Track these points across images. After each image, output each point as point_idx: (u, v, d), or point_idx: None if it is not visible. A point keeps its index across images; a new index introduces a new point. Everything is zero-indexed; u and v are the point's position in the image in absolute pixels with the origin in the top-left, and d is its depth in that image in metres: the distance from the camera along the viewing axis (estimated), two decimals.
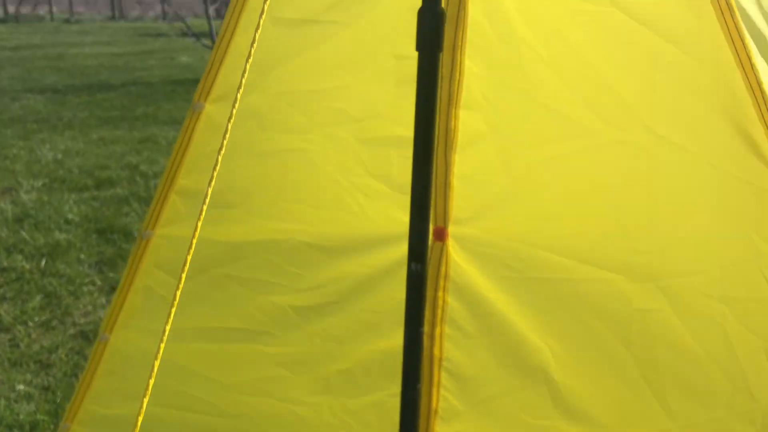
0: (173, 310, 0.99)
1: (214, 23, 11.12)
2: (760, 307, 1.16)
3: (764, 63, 1.18)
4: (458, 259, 1.34)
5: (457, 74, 1.25)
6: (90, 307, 3.46)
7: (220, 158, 0.98)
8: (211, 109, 1.44)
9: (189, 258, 0.98)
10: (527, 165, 1.27)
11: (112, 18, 24.90)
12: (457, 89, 1.26)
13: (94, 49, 15.21)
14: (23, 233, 4.44)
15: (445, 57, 1.26)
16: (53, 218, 4.76)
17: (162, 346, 0.97)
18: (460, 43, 1.23)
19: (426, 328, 1.45)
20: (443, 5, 1.24)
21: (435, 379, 1.42)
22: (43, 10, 23.86)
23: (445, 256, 1.35)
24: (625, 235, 1.24)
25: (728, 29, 1.09)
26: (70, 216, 4.77)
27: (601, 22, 1.14)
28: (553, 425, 1.30)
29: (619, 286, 1.23)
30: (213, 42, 10.91)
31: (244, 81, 1.00)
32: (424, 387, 1.47)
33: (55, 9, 24.40)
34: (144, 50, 15.24)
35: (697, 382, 1.22)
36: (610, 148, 1.20)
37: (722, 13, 1.08)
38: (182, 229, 1.60)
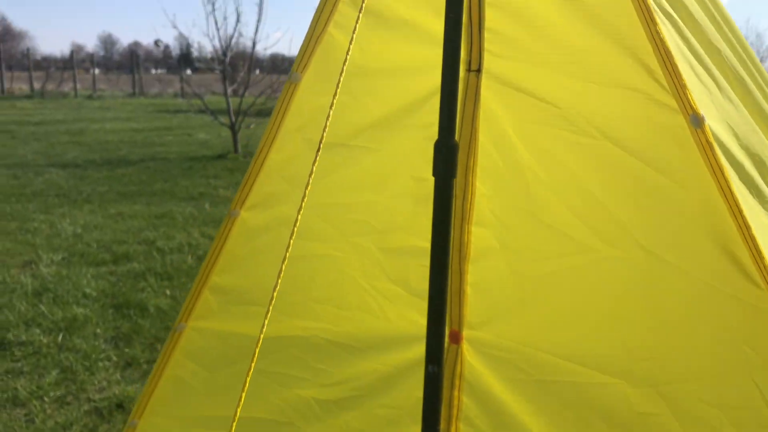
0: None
1: (231, 101, 11.60)
2: (753, 414, 1.25)
3: (743, 189, 1.32)
4: (472, 361, 1.46)
5: (470, 195, 1.41)
6: (105, 383, 3.51)
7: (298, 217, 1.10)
8: (246, 216, 1.59)
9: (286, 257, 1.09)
10: (534, 277, 1.40)
11: (133, 95, 25.96)
12: (470, 208, 1.42)
13: (115, 125, 15.81)
14: (42, 307, 4.53)
15: (458, 179, 1.43)
16: (71, 292, 4.86)
17: None
18: (472, 168, 1.40)
19: (442, 426, 1.54)
20: (456, 137, 1.43)
21: None
22: (67, 87, 24.95)
23: (460, 357, 1.47)
24: (625, 343, 1.35)
25: (709, 160, 1.24)
26: (87, 290, 4.88)
27: (596, 152, 1.31)
28: None
29: (621, 390, 1.33)
30: (230, 120, 11.38)
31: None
32: None
33: (78, 86, 25.50)
34: (162, 126, 15.82)
35: None
36: (608, 264, 1.33)
37: (703, 147, 1.23)
38: (214, 323, 1.72)
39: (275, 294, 1.22)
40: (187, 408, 1.74)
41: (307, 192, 1.44)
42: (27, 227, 6.73)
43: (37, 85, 24.83)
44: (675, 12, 1.26)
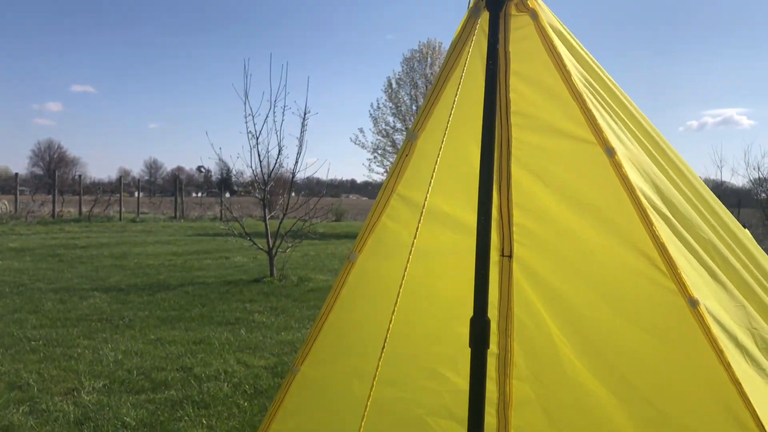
0: None
1: (269, 224, 12.13)
2: None
3: (738, 355, 1.53)
4: None
5: (509, 354, 1.67)
6: None
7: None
8: (306, 371, 1.84)
9: None
10: (564, 421, 1.63)
11: (174, 218, 27.17)
12: (510, 364, 1.67)
13: (156, 248, 16.48)
14: None
15: (500, 341, 1.70)
16: (111, 422, 4.95)
17: None
18: (510, 332, 1.67)
19: None
20: (498, 304, 1.70)
21: None
22: (113, 211, 26.34)
23: None
24: None
25: (709, 337, 1.46)
26: (127, 419, 4.97)
27: (608, 326, 1.57)
28: None
29: None
30: (267, 244, 11.85)
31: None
32: None
33: (123, 209, 26.89)
34: (201, 249, 16.43)
35: None
36: (623, 415, 1.56)
37: (701, 325, 1.47)
38: None
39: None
40: None
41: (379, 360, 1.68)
42: (71, 353, 6.92)
43: (85, 209, 26.22)
44: (670, 212, 1.55)
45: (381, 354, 1.32)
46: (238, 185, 17.28)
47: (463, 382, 1.69)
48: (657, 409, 1.51)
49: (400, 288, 1.44)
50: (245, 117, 11.94)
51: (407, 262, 1.45)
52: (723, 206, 1.90)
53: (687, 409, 1.49)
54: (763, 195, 24.87)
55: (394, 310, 1.40)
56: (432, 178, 1.47)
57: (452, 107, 1.44)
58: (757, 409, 1.41)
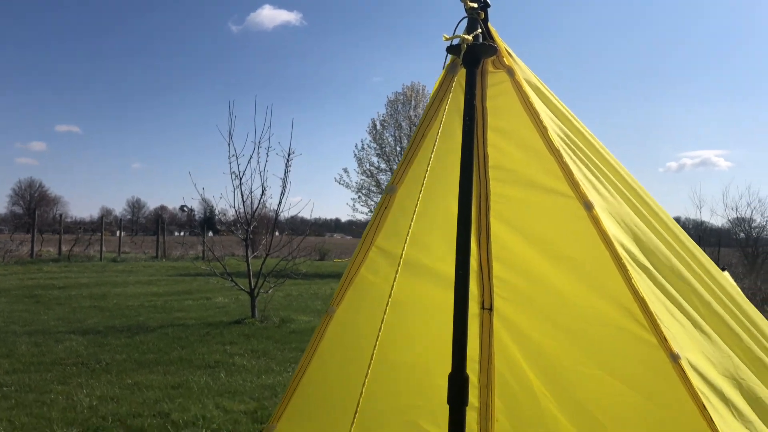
0: None
1: (251, 263, 12.02)
2: None
3: (724, 410, 1.52)
4: None
5: (491, 409, 1.64)
6: None
7: None
8: (283, 428, 1.79)
9: None
10: None
11: (156, 257, 26.87)
12: (491, 418, 1.65)
13: (136, 289, 16.23)
14: None
15: (481, 394, 1.67)
16: None
17: None
18: (491, 386, 1.64)
19: None
20: (478, 356, 1.68)
21: None
22: (93, 250, 25.98)
23: None
24: None
25: (691, 391, 1.45)
26: None
27: (589, 380, 1.56)
28: None
29: None
30: (249, 285, 11.72)
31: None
32: None
33: (104, 248, 26.54)
34: (182, 290, 16.20)
35: None
36: None
37: (683, 379, 1.46)
38: None
39: None
40: None
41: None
42: (44, 399, 6.72)
43: (65, 248, 25.84)
44: (651, 263, 1.56)
45: (357, 408, 1.29)
46: (221, 224, 17.19)
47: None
48: None
49: (376, 341, 1.42)
50: (229, 158, 11.95)
51: (384, 314, 1.44)
52: (702, 252, 1.92)
53: None
54: (742, 234, 25.35)
55: (370, 363, 1.38)
56: (410, 229, 1.48)
57: (429, 161, 1.45)
58: None
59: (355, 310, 1.72)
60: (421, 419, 1.74)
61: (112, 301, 13.91)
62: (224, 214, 13.35)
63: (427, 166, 1.45)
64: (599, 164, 1.68)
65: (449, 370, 1.42)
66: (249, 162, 12.11)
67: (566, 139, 1.58)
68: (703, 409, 1.41)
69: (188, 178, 12.39)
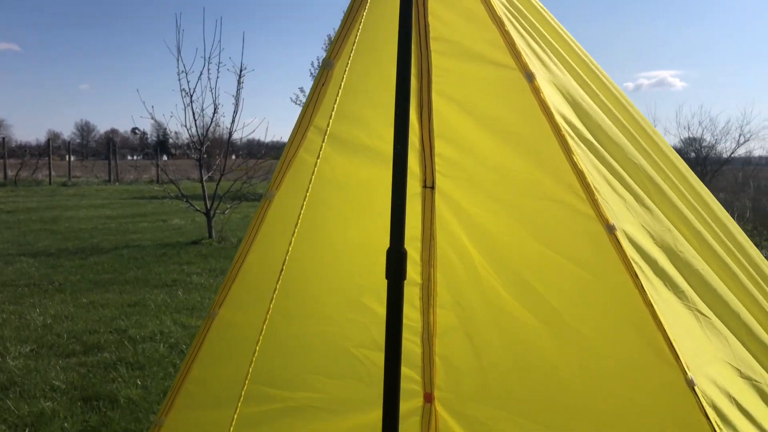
0: None
1: (206, 186, 11.83)
2: None
3: (657, 281, 1.56)
4: (444, 416, 1.70)
5: (433, 284, 1.66)
6: None
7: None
8: (225, 314, 1.77)
9: None
10: (489, 347, 1.66)
11: (108, 181, 26.10)
12: (434, 293, 1.67)
13: (89, 212, 15.82)
14: (8, 402, 4.44)
15: (423, 271, 1.68)
16: (39, 386, 4.77)
17: None
18: (433, 263, 1.65)
19: None
20: (420, 234, 1.67)
21: None
22: (41, 175, 25.02)
23: (434, 415, 1.70)
24: (565, 402, 1.59)
25: (624, 260, 1.48)
26: (56, 383, 4.80)
27: (528, 252, 1.57)
28: None
29: None
30: (205, 206, 11.56)
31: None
32: None
33: (53, 173, 25.58)
34: (137, 213, 15.89)
35: None
36: (545, 338, 1.59)
37: (617, 249, 1.48)
38: (198, 411, 1.85)
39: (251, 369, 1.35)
40: None
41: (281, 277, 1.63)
42: None
43: (11, 173, 24.84)
44: (593, 136, 1.54)
45: (270, 301, 1.26)
46: (175, 147, 16.68)
47: None
48: (577, 332, 1.55)
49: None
50: (178, 74, 11.43)
51: (304, 199, 1.39)
52: (660, 136, 1.91)
53: (605, 333, 1.53)
54: (693, 154, 26.09)
55: (292, 256, 1.34)
56: (336, 104, 1.40)
57: (356, 33, 1.36)
58: (669, 333, 1.44)
59: (294, 193, 1.67)
60: (365, 297, 1.76)
61: (64, 224, 13.56)
62: (178, 137, 12.91)
63: (355, 40, 1.36)
64: (549, 37, 1.62)
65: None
66: (199, 79, 11.63)
67: (510, 8, 1.51)
68: (635, 278, 1.45)
69: (139, 100, 11.81)
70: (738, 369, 1.60)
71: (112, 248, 10.71)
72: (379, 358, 1.74)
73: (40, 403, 4.44)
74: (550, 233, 1.55)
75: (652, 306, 1.44)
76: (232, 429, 1.46)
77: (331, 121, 1.40)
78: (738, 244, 1.95)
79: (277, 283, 1.35)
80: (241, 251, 1.73)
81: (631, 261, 1.46)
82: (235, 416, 1.25)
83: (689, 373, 1.43)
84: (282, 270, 1.31)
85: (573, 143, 1.45)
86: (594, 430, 1.57)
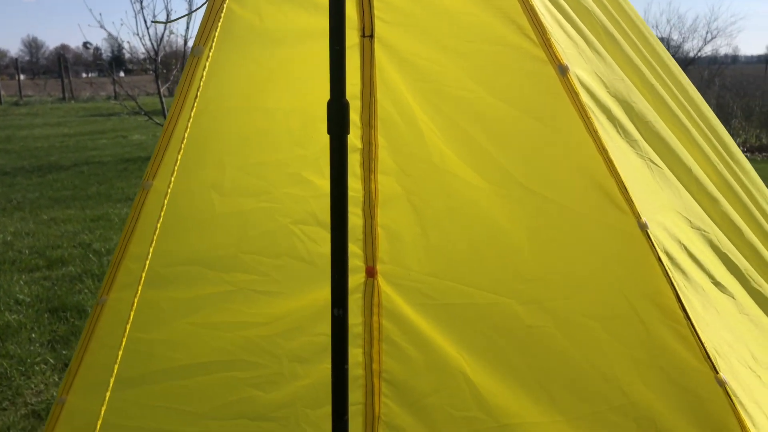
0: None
1: (165, 101, 11.40)
2: (624, 323, 1.44)
3: (611, 128, 1.50)
4: (387, 291, 1.65)
5: (373, 147, 1.56)
6: (42, 386, 3.44)
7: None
8: (159, 186, 1.67)
9: None
10: (432, 215, 1.58)
11: (63, 99, 24.93)
12: (375, 158, 1.57)
13: (45, 131, 15.19)
14: None
15: (364, 133, 1.57)
16: (2, 299, 4.71)
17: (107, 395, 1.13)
18: (373, 124, 1.54)
19: (366, 348, 1.70)
20: (360, 93, 1.56)
21: (376, 389, 1.67)
22: None
23: (377, 289, 1.66)
24: (514, 267, 1.54)
25: (577, 105, 1.40)
26: (20, 296, 4.74)
27: (477, 105, 1.47)
28: (471, 416, 1.57)
29: (512, 308, 1.53)
30: (165, 119, 11.13)
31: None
32: (368, 397, 1.71)
33: (3, 92, 24.29)
34: (96, 130, 15.32)
35: (579, 382, 1.49)
36: (494, 201, 1.51)
37: (570, 93, 1.40)
38: (141, 290, 1.79)
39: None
40: (132, 368, 1.80)
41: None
42: None
43: None
44: None
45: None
46: (131, 62, 15.88)
47: (328, 185, 1.58)
48: (528, 191, 1.48)
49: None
50: None
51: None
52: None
53: (558, 187, 1.48)
54: None
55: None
56: None
57: None
58: (623, 178, 1.39)
59: (224, 51, 1.53)
60: (304, 170, 1.66)
61: (18, 143, 13.02)
62: (133, 51, 12.22)
63: None
64: None
65: None
66: None
67: None
68: (588, 120, 1.38)
69: (87, 10, 11.03)
70: (688, 219, 1.59)
71: (72, 165, 10.37)
72: (319, 234, 1.68)
73: (6, 316, 4.39)
74: (500, 83, 1.46)
75: (606, 151, 1.38)
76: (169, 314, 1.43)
77: None
78: (693, 102, 1.90)
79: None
80: (170, 118, 1.60)
81: (585, 104, 1.39)
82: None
83: (643, 218, 1.40)
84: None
85: None
86: (547, 289, 1.54)
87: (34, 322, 4.27)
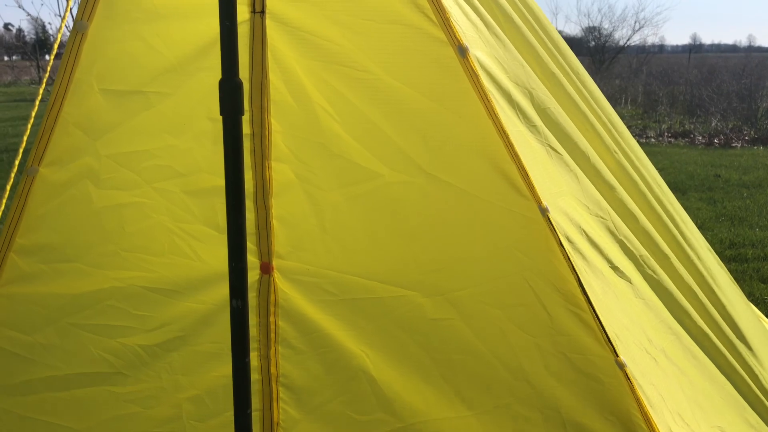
0: None
1: None
2: (527, 310, 1.42)
3: (511, 112, 1.47)
4: (284, 288, 1.56)
5: (267, 132, 1.47)
6: None
7: None
8: (45, 172, 1.54)
9: None
10: (330, 205, 1.50)
11: None
12: (268, 144, 1.48)
13: None
14: None
15: (254, 117, 1.48)
16: None
17: None
18: (266, 106, 1.45)
19: (262, 351, 1.61)
20: (248, 76, 1.47)
21: (274, 394, 1.59)
22: None
23: (273, 286, 1.56)
24: (416, 258, 1.48)
25: (476, 87, 1.36)
26: None
27: (374, 85, 1.41)
28: (376, 419, 1.52)
29: (416, 301, 1.48)
30: None
31: None
32: (265, 403, 1.63)
33: None
34: (18, 116, 14.46)
35: (485, 375, 1.46)
36: (394, 188, 1.45)
37: (470, 75, 1.36)
38: (25, 286, 1.66)
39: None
40: (11, 376, 1.68)
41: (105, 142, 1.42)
42: None
43: None
44: None
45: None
46: (60, 46, 15.02)
47: (210, 178, 1.50)
48: (429, 174, 1.44)
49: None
50: None
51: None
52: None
53: (458, 171, 1.44)
54: (593, 42, 26.59)
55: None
56: None
57: None
58: (523, 161, 1.37)
59: (110, 26, 1.41)
60: (175, 162, 1.55)
61: None
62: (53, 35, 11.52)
63: None
64: None
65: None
66: None
67: None
68: (488, 103, 1.34)
69: None
70: (586, 205, 1.58)
71: None
72: (201, 231, 1.57)
73: None
74: (399, 63, 1.39)
75: (507, 135, 1.35)
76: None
77: None
78: (588, 89, 1.90)
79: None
80: (54, 97, 1.48)
81: (485, 87, 1.35)
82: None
83: (544, 202, 1.38)
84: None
85: None
86: (450, 280, 1.49)
87: None
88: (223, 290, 1.52)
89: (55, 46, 1.74)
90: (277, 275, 1.56)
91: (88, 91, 1.49)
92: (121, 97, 1.49)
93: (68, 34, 1.48)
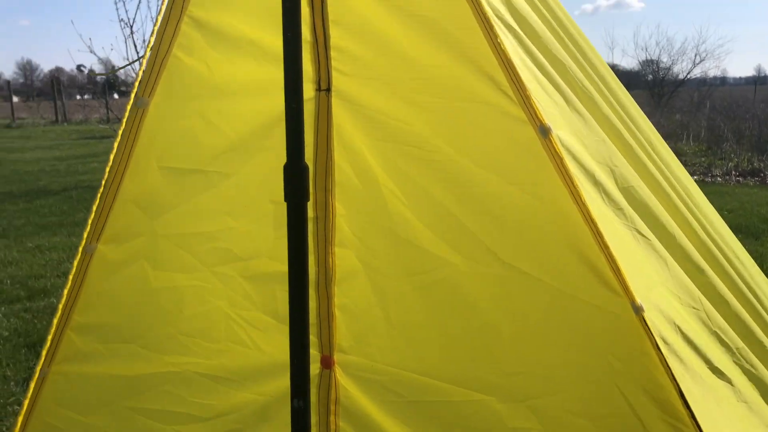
0: None
1: None
2: (620, 422, 1.25)
3: (596, 195, 1.33)
4: (346, 385, 1.44)
5: (330, 216, 1.38)
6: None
7: None
8: (103, 250, 1.50)
9: None
10: (397, 295, 1.38)
11: (56, 122, 24.87)
12: (332, 228, 1.39)
13: (36, 154, 15.09)
14: None
15: (318, 199, 1.39)
16: None
17: None
18: (330, 188, 1.37)
19: None
20: (311, 157, 1.39)
21: None
22: None
23: (334, 382, 1.45)
24: (493, 358, 1.34)
25: (559, 169, 1.23)
26: None
27: (446, 167, 1.30)
28: None
29: (492, 407, 1.33)
30: None
31: None
32: None
33: None
34: (87, 153, 15.22)
35: None
36: (468, 278, 1.32)
37: (553, 156, 1.23)
38: (81, 365, 1.62)
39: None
40: None
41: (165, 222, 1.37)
42: None
43: None
44: (517, 25, 1.26)
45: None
46: (125, 84, 15.94)
47: (260, 264, 1.41)
48: (508, 266, 1.31)
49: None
50: (115, 2, 10.59)
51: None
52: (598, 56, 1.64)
53: (541, 262, 1.31)
54: (650, 76, 25.86)
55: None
56: None
57: None
58: (613, 251, 1.21)
59: (170, 100, 1.37)
60: (235, 246, 1.48)
61: (9, 167, 12.89)
62: (127, 73, 12.20)
63: None
64: None
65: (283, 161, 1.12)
66: (138, 7, 10.83)
67: None
68: (574, 190, 1.21)
69: (77, 34, 11.03)
70: (678, 296, 1.41)
71: (61, 190, 10.22)
72: (260, 319, 1.49)
73: None
74: (474, 144, 1.29)
75: (595, 223, 1.21)
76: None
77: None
78: (667, 163, 1.73)
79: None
80: (114, 173, 1.45)
81: (569, 170, 1.22)
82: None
83: (638, 300, 1.22)
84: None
85: (499, 29, 1.17)
86: (531, 384, 1.33)
87: (10, 358, 4.08)
88: (282, 382, 1.42)
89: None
90: (338, 370, 1.45)
91: (147, 168, 1.45)
92: (181, 175, 1.45)
93: (134, 75, 1.46)
